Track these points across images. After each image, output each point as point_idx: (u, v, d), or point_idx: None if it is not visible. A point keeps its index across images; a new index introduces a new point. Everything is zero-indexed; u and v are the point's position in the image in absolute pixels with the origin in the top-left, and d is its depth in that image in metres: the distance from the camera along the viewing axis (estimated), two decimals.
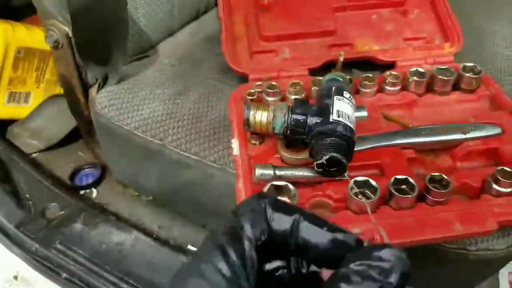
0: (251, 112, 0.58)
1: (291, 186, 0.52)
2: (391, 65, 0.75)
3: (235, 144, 0.62)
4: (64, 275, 0.74)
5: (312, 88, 0.67)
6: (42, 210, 0.83)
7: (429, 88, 0.69)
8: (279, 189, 0.53)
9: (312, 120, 0.56)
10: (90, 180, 0.90)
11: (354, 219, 0.52)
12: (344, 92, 0.58)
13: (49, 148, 0.91)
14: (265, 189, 0.52)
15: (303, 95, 0.67)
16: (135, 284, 0.72)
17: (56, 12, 0.71)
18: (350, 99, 0.58)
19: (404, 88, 0.69)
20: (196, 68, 0.84)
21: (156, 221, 0.84)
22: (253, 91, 0.68)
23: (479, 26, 0.88)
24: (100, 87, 0.79)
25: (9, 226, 0.77)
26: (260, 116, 0.58)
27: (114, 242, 0.78)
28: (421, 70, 0.68)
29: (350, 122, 0.55)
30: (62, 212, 0.82)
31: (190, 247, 0.79)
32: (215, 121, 0.73)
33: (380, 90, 0.69)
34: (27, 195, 0.83)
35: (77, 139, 0.97)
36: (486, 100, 0.68)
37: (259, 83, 0.70)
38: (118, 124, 0.75)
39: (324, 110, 0.56)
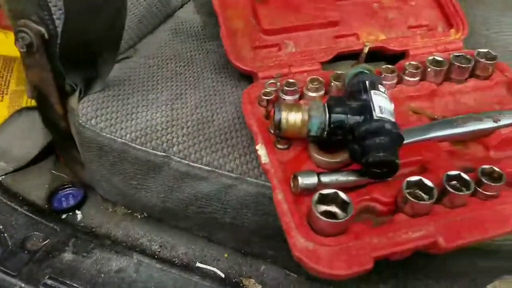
0: (283, 114, 0.52)
1: (342, 195, 0.47)
2: (397, 56, 0.73)
3: (261, 151, 0.56)
4: None
5: (332, 84, 0.62)
6: (22, 241, 0.70)
7: (445, 77, 0.67)
8: (326, 198, 0.47)
9: (352, 119, 0.51)
10: (72, 202, 0.79)
11: (412, 224, 0.47)
12: (379, 85, 0.54)
13: (17, 169, 0.78)
14: (314, 199, 0.46)
15: (323, 91, 0.62)
16: None
17: (30, 11, 0.60)
18: (385, 92, 0.54)
19: (422, 78, 0.66)
20: (187, 69, 0.77)
21: (156, 240, 0.75)
22: (268, 90, 0.62)
23: (468, 12, 0.87)
24: (82, 95, 0.69)
25: None
26: (293, 118, 0.52)
27: (114, 270, 0.68)
28: (438, 58, 0.66)
29: (393, 118, 0.51)
30: (46, 242, 0.70)
31: (199, 264, 0.72)
32: (223, 126, 0.66)
33: (398, 81, 0.66)
34: (0, 227, 0.70)
35: (48, 156, 0.85)
36: (502, 85, 0.67)
37: (272, 81, 0.64)
38: (109, 136, 0.66)
39: (364, 107, 0.51)
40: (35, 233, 0.71)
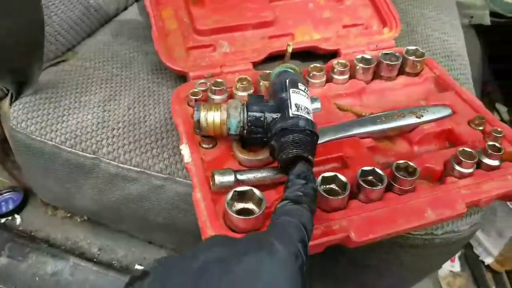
0: (202, 113, 0.52)
1: (256, 191, 0.47)
2: (332, 54, 0.74)
3: (185, 150, 0.56)
4: None
5: (261, 83, 0.63)
6: None
7: (375, 74, 0.68)
8: (243, 195, 0.48)
9: (270, 117, 0.51)
10: (11, 206, 0.78)
11: (326, 218, 0.48)
12: (299, 84, 0.55)
13: None
14: (228, 197, 0.47)
15: (251, 90, 0.62)
16: None
17: None
18: (305, 91, 0.55)
19: (351, 76, 0.67)
20: (124, 70, 0.76)
21: (95, 243, 0.75)
22: (196, 90, 0.62)
23: (407, 9, 0.89)
24: (13, 99, 0.68)
25: None
26: (212, 117, 0.52)
27: (49, 273, 0.68)
28: (367, 56, 0.67)
29: (309, 115, 0.52)
30: None
31: (137, 266, 0.72)
32: (155, 127, 0.66)
33: (328, 79, 0.67)
34: None
35: None
36: (431, 82, 0.68)
37: (202, 81, 0.64)
38: (40, 139, 0.65)
39: (281, 105, 0.52)
40: None
